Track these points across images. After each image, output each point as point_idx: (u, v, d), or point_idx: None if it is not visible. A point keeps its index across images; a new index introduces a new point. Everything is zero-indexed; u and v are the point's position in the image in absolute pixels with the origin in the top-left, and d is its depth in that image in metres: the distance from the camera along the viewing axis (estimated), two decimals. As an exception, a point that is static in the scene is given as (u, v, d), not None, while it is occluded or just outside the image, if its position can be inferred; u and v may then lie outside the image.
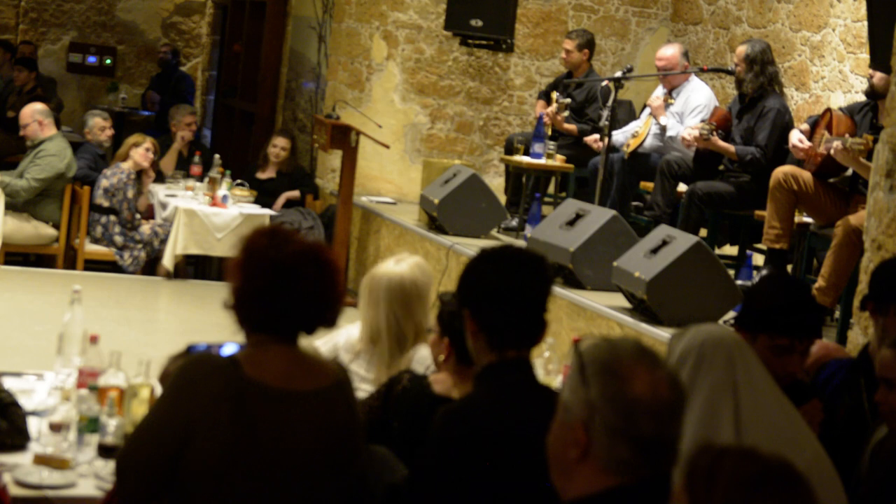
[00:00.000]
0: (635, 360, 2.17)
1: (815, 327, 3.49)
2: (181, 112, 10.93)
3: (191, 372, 2.85)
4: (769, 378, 2.95)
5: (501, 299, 2.93)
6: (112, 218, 9.44)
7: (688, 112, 8.22)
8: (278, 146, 10.35)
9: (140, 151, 9.49)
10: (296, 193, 10.28)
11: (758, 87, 7.47)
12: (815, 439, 2.97)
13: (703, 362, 2.83)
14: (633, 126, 8.56)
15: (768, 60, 7.53)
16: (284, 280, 2.85)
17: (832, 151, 6.23)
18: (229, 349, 3.07)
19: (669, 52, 8.44)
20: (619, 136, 8.34)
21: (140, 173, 9.60)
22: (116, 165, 9.51)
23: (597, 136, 8.67)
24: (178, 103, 13.76)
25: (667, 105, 8.29)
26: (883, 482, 3.09)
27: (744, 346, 2.96)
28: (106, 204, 9.41)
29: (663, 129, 8.21)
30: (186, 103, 13.90)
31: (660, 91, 8.55)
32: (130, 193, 9.40)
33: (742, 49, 7.54)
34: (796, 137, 6.67)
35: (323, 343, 4.22)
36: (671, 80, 8.36)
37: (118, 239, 9.47)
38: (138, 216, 9.52)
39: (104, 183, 9.41)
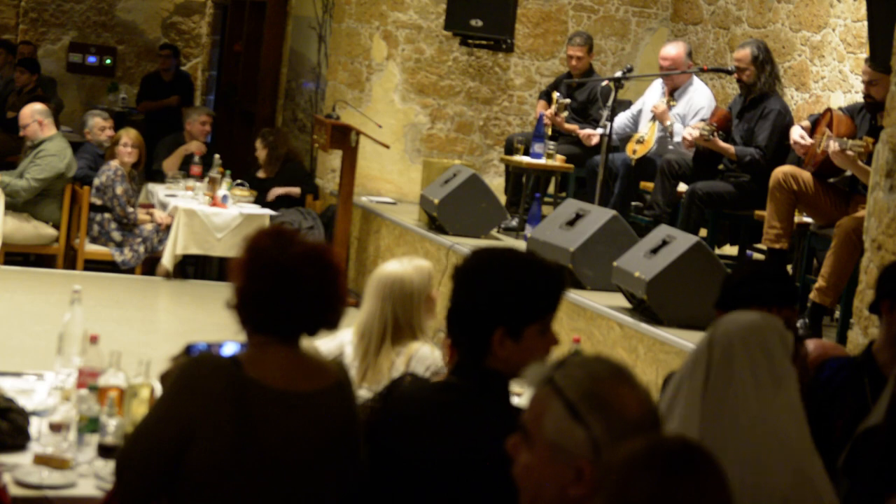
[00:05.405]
0: (616, 381, 2.12)
1: (773, 296, 3.43)
2: (197, 111, 10.92)
3: (192, 372, 2.85)
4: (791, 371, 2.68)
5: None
6: (107, 215, 9.44)
7: (691, 114, 8.20)
8: (256, 148, 10.47)
9: (120, 149, 9.49)
10: (295, 190, 10.27)
11: (765, 86, 7.45)
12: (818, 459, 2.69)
13: (735, 355, 2.60)
14: (630, 118, 8.58)
15: (770, 58, 7.53)
16: (287, 281, 2.85)
17: (830, 152, 6.22)
18: (229, 349, 3.07)
19: (674, 51, 8.39)
20: (621, 118, 8.44)
21: (136, 165, 9.60)
22: (107, 164, 9.51)
23: (589, 130, 8.73)
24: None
25: (669, 106, 8.28)
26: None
27: (781, 334, 2.67)
28: (99, 202, 9.42)
29: (665, 130, 8.21)
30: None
31: (658, 92, 8.53)
32: (119, 190, 9.38)
33: (746, 52, 7.46)
34: (798, 134, 6.65)
35: (327, 340, 4.23)
36: (674, 80, 8.33)
37: (115, 235, 9.47)
38: (131, 210, 9.47)
39: (95, 182, 9.43)
